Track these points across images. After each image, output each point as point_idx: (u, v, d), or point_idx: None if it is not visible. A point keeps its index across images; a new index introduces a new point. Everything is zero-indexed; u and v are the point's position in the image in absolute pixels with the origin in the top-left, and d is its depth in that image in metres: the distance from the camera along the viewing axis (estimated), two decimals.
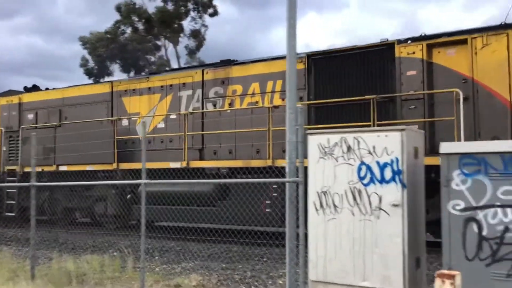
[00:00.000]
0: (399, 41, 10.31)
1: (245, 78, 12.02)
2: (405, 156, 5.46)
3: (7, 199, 14.72)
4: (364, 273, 5.56)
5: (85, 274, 7.88)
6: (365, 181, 5.63)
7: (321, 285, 5.81)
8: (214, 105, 12.40)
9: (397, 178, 5.46)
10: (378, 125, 9.39)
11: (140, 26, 35.69)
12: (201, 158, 12.38)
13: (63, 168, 13.99)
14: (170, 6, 35.26)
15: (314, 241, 5.88)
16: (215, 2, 36.28)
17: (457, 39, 9.72)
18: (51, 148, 14.21)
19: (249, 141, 11.58)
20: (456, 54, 9.69)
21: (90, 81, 33.30)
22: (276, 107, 10.92)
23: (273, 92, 11.51)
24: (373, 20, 75.58)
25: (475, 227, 5.12)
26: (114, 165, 13.02)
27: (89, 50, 36.54)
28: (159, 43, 37.68)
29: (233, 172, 11.38)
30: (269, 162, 10.78)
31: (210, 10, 36.26)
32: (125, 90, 13.97)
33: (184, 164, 11.96)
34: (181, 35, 36.70)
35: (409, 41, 10.23)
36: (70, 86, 15.83)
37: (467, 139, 8.80)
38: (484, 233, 5.08)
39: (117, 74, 37.28)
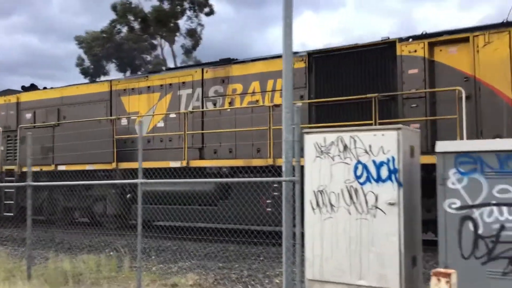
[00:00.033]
0: (401, 39, 10.26)
1: (245, 77, 11.97)
2: (401, 155, 5.47)
3: (5, 199, 14.67)
4: (360, 272, 5.57)
5: (82, 274, 7.87)
6: (362, 180, 5.64)
7: (317, 284, 5.82)
8: (214, 104, 12.36)
9: (393, 177, 5.47)
10: (380, 124, 9.36)
11: (136, 25, 35.66)
12: (201, 158, 12.33)
13: (61, 167, 13.94)
14: (166, 5, 35.24)
15: (310, 240, 5.89)
16: (211, 1, 36.29)
17: (458, 37, 9.70)
18: (49, 148, 14.17)
19: (250, 140, 11.55)
20: (457, 52, 9.67)
21: (87, 81, 33.28)
22: (276, 105, 10.90)
23: (273, 91, 11.48)
24: (370, 19, 75.65)
25: (471, 226, 5.14)
26: (114, 165, 12.97)
27: (85, 49, 36.48)
28: (155, 42, 37.67)
29: (234, 171, 11.34)
30: (270, 161, 10.76)
31: (206, 9, 36.27)
32: (124, 89, 13.91)
33: (184, 163, 11.93)
34: (177, 34, 36.68)
35: (410, 39, 10.19)
36: (69, 85, 15.78)
37: (469, 137, 8.77)
38: (480, 231, 5.10)
39: (113, 73, 37.23)
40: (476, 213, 5.12)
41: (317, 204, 5.87)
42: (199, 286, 7.23)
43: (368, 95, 9.93)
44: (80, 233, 12.90)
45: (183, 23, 36.61)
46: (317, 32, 79.29)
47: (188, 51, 37.73)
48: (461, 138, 8.80)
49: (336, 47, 11.20)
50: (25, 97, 15.95)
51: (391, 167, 5.48)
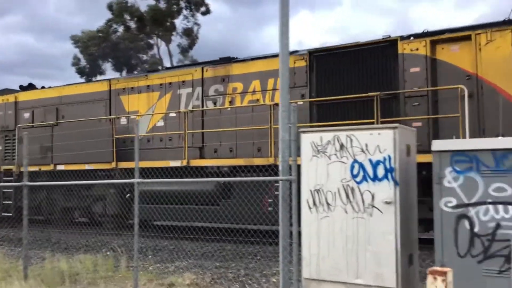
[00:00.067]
0: (402, 38, 10.23)
1: (246, 76, 11.94)
2: (397, 154, 5.48)
3: (3, 199, 14.62)
4: (357, 271, 5.58)
5: (78, 273, 7.86)
6: (358, 179, 5.64)
7: (314, 283, 5.83)
8: (214, 103, 12.33)
9: (389, 176, 5.48)
10: (382, 123, 9.33)
11: (132, 24, 35.60)
12: (201, 157, 12.30)
13: (60, 167, 13.89)
14: (162, 5, 35.20)
15: (307, 239, 5.89)
16: (207, 1, 36.27)
17: (460, 35, 9.68)
18: (48, 147, 14.11)
19: (250, 139, 11.52)
20: (459, 51, 9.65)
21: (83, 80, 33.22)
22: (277, 104, 10.86)
23: (274, 89, 11.46)
24: (366, 18, 75.76)
25: (467, 224, 5.15)
26: (113, 164, 12.92)
27: (81, 48, 36.43)
28: (151, 41, 37.63)
29: (236, 170, 11.30)
30: (271, 160, 10.74)
31: (203, 9, 36.24)
32: (123, 88, 13.86)
33: (184, 162, 11.89)
34: (174, 33, 36.64)
35: (411, 38, 10.16)
36: (67, 85, 15.75)
37: (471, 136, 8.75)
38: (476, 229, 5.11)
39: (109, 73, 37.20)
40: (472, 211, 5.14)
41: (314, 203, 5.87)
42: (196, 285, 7.24)
43: (370, 94, 9.88)
44: (76, 233, 12.88)
45: (180, 23, 36.59)
46: (313, 31, 79.36)
47: (184, 51, 37.72)
48: (464, 137, 8.77)
49: (337, 46, 11.13)
50: (23, 96, 15.90)
51: (388, 166, 5.49)
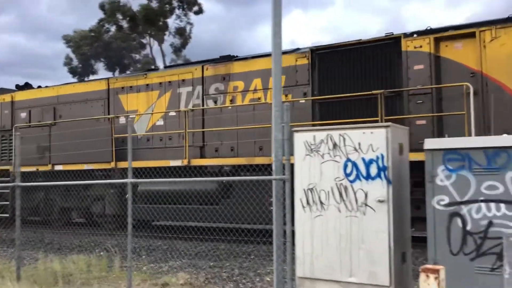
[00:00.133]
0: (406, 35, 10.16)
1: (247, 74, 11.85)
2: (390, 153, 5.50)
3: (0, 200, 14.49)
4: (350, 269, 5.60)
5: (72, 274, 7.83)
6: (351, 178, 5.66)
7: (308, 281, 5.84)
8: (215, 102, 12.23)
9: (382, 175, 5.50)
10: (386, 121, 9.27)
11: (124, 24, 35.53)
12: (202, 156, 12.21)
13: (58, 167, 13.79)
14: (154, 4, 35.14)
15: (301, 238, 5.91)
16: (200, 0, 36.23)
17: (465, 32, 9.60)
18: (45, 147, 14.00)
19: (252, 138, 11.44)
20: (463, 48, 9.57)
21: (75, 80, 33.08)
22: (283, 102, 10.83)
23: None
24: (358, 18, 75.96)
25: (459, 222, 5.18)
26: (112, 164, 12.82)
27: (73, 48, 36.31)
28: (144, 41, 37.59)
29: (236, 169, 11.23)
30: (273, 159, 10.68)
31: (195, 8, 36.21)
32: (122, 87, 13.75)
33: (185, 162, 11.79)
34: (166, 33, 36.60)
35: (415, 35, 10.10)
36: (65, 84, 15.66)
37: (476, 134, 8.69)
38: (468, 227, 5.14)
39: (102, 72, 37.10)
40: (464, 209, 5.17)
41: (307, 202, 5.89)
42: (190, 285, 7.23)
43: (374, 92, 9.79)
44: (70, 233, 12.83)
45: (172, 22, 36.56)
46: (306, 30, 79.49)
47: (177, 50, 37.68)
48: (469, 135, 8.71)
49: (339, 43, 11.04)
50: (20, 96, 15.78)
51: (380, 165, 5.51)
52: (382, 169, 5.50)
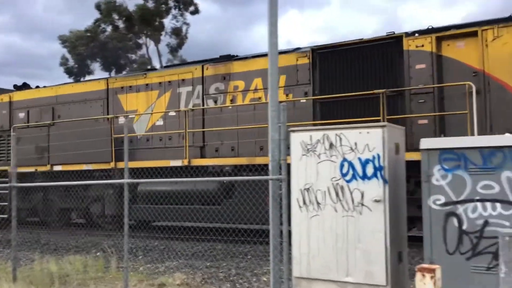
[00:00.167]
0: (407, 34, 10.14)
1: (247, 74, 11.79)
2: (386, 152, 5.52)
3: (1, 201, 14.43)
4: (347, 269, 5.61)
5: (68, 275, 7.82)
6: (348, 178, 5.67)
7: (305, 281, 5.85)
8: (215, 102, 12.18)
9: (378, 174, 5.51)
10: (388, 120, 9.13)
11: (120, 24, 35.47)
12: (202, 156, 12.15)
13: (57, 167, 13.72)
14: (150, 4, 35.10)
15: (297, 238, 5.91)
16: (196, 0, 36.21)
17: (466, 31, 9.58)
18: (44, 148, 13.92)
19: (252, 138, 11.39)
20: (465, 47, 9.54)
21: (71, 80, 33.01)
22: (280, 102, 10.80)
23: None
24: (354, 18, 76.08)
25: (455, 222, 5.20)
26: (112, 164, 12.75)
27: (69, 48, 36.23)
28: (140, 41, 37.52)
29: (238, 170, 11.18)
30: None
31: (191, 8, 36.18)
32: (121, 87, 13.68)
33: (185, 162, 11.74)
34: (162, 33, 36.55)
35: (416, 34, 10.08)
36: (63, 84, 15.59)
37: (478, 133, 8.67)
38: (464, 227, 5.16)
39: (98, 72, 37.01)
40: (460, 209, 5.18)
41: (304, 202, 5.90)
42: (187, 285, 7.23)
43: (376, 91, 9.75)
44: (66, 234, 12.80)
45: (168, 22, 36.53)
46: (302, 30, 79.54)
47: (173, 50, 37.63)
48: (472, 134, 8.68)
49: (340, 43, 11.01)
50: (18, 96, 15.70)
51: (377, 165, 5.52)
52: (378, 169, 5.51)
